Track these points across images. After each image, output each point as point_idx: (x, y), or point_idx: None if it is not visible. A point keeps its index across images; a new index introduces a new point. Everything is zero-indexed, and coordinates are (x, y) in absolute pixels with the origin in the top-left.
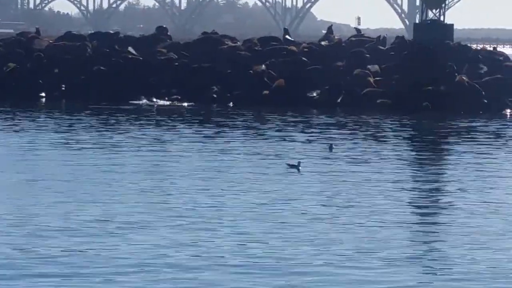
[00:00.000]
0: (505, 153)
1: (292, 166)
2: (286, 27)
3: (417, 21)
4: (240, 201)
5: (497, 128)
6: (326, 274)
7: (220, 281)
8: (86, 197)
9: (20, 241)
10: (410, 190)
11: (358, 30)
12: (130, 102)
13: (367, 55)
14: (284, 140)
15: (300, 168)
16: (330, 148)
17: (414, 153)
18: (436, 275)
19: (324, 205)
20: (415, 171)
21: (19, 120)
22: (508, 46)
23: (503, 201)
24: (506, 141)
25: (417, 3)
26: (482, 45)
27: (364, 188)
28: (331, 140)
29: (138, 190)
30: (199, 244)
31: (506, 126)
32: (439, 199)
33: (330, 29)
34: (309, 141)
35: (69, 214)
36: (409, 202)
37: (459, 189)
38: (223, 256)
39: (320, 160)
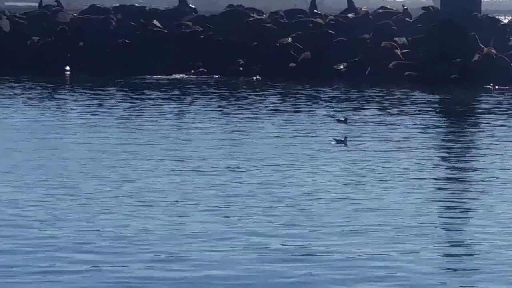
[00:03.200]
0: None
1: (339, 141)
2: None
3: None
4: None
5: None
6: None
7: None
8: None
9: None
10: (438, 164)
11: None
12: (155, 75)
13: (394, 28)
14: (309, 113)
15: (347, 143)
16: (345, 121)
17: (443, 125)
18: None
19: (344, 184)
20: (443, 146)
21: (46, 94)
22: None
23: None
24: None
25: None
26: (511, 17)
27: (388, 164)
28: (353, 112)
29: (159, 164)
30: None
31: None
32: (472, 177)
33: (351, 1)
34: (332, 115)
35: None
36: (438, 178)
37: (489, 164)
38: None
39: (339, 134)
